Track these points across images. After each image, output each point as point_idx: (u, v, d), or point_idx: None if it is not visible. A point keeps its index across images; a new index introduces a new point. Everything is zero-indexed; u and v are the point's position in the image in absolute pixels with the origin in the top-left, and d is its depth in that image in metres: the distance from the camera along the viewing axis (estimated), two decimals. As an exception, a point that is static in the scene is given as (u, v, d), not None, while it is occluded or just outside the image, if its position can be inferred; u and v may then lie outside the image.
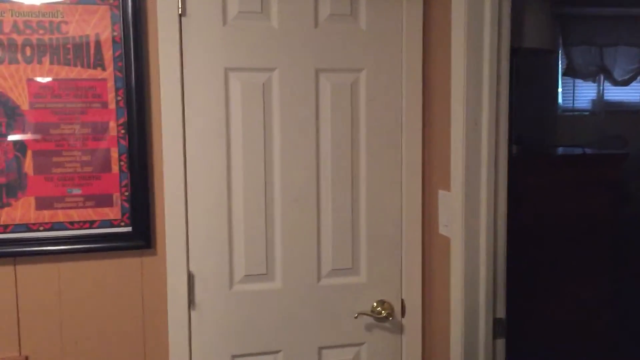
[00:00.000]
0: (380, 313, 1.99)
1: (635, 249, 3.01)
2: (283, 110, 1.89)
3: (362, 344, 2.02)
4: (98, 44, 1.75)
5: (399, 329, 2.03)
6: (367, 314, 1.99)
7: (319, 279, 1.97)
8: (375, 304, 2.01)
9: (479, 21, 1.72)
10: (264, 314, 1.94)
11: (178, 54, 1.80)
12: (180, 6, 1.79)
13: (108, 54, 1.76)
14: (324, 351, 2.00)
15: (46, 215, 1.77)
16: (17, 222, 1.75)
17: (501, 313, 1.86)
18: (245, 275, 1.92)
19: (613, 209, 2.42)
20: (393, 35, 1.94)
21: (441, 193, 1.91)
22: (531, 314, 2.47)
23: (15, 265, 1.76)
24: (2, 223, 1.74)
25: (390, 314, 2.01)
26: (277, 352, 1.97)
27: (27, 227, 1.76)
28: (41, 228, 1.77)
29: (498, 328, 1.85)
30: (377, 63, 1.94)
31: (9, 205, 1.74)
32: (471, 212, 1.78)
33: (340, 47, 1.91)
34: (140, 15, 1.77)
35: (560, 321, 2.51)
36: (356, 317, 1.96)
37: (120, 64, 1.77)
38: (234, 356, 1.94)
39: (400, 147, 1.98)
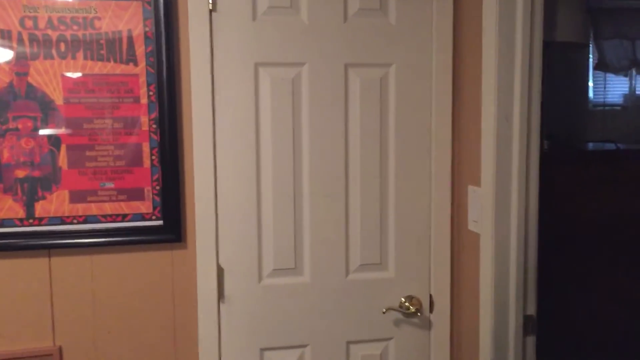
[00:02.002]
0: (409, 308, 1.99)
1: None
2: (312, 105, 1.89)
3: (390, 339, 2.02)
4: (130, 39, 1.77)
5: (427, 325, 2.03)
6: (395, 309, 1.99)
7: (347, 273, 1.98)
8: (403, 299, 2.01)
9: (511, 15, 1.70)
10: (292, 308, 1.95)
11: (208, 49, 1.81)
12: (210, 2, 1.80)
13: (140, 50, 1.78)
14: (352, 346, 2.01)
15: (80, 209, 1.80)
16: (51, 214, 1.78)
17: (532, 310, 1.84)
18: (274, 269, 1.93)
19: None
20: (423, 30, 1.93)
21: (471, 189, 1.90)
22: (563, 311, 2.44)
23: (49, 257, 1.80)
24: (37, 216, 1.77)
25: (419, 309, 2.00)
26: (305, 345, 1.98)
27: (61, 220, 1.79)
28: (75, 221, 1.80)
29: (528, 325, 1.83)
30: (406, 58, 1.93)
31: (43, 198, 1.77)
32: (502, 208, 1.77)
33: (369, 42, 1.90)
34: (172, 11, 1.78)
35: (592, 320, 2.48)
36: (384, 312, 1.96)
37: (152, 59, 1.79)
38: (262, 349, 1.95)
39: (429, 142, 1.97)
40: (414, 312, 1.99)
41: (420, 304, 2.01)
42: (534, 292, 1.84)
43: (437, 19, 1.92)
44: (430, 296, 2.02)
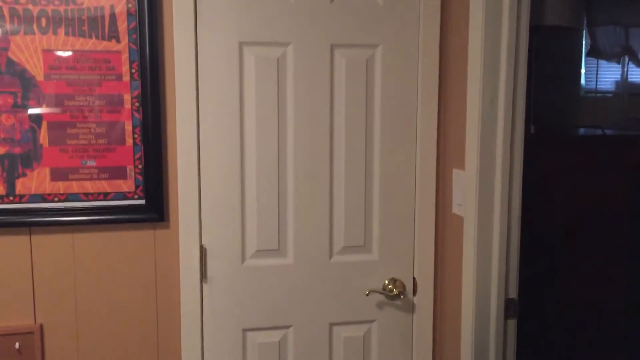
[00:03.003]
0: (392, 291, 1.99)
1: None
2: (297, 86, 1.88)
3: (373, 321, 2.03)
4: (113, 15, 1.75)
5: (410, 308, 2.03)
6: (379, 292, 1.99)
7: (330, 255, 1.97)
8: (387, 282, 2.01)
9: (498, -3, 1.69)
10: (276, 289, 1.95)
11: (193, 27, 1.79)
12: (195, -22, 1.77)
13: (123, 26, 1.76)
14: (335, 327, 2.01)
15: (61, 186, 1.78)
16: (32, 192, 1.77)
17: (513, 293, 1.85)
18: (257, 250, 1.93)
19: (631, 191, 2.38)
20: (410, 11, 1.91)
21: (455, 172, 1.89)
22: (543, 295, 2.45)
23: (30, 235, 1.79)
24: (17, 193, 1.76)
25: (402, 292, 2.00)
26: (288, 327, 1.98)
27: (42, 198, 1.78)
28: (56, 199, 1.78)
29: (510, 308, 1.84)
30: (393, 39, 1.91)
31: (24, 175, 1.76)
32: (485, 192, 1.76)
33: (356, 22, 1.88)
34: (155, -13, 1.76)
35: (572, 303, 2.49)
36: (367, 295, 1.96)
37: (134, 36, 1.76)
38: (245, 330, 1.95)
39: (415, 124, 1.96)
40: (397, 295, 1.99)
41: (404, 287, 2.01)
42: (516, 276, 1.84)
43: (424, 1, 1.90)
44: (414, 279, 2.02)
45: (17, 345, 1.80)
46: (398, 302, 2.03)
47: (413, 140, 1.96)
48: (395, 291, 1.99)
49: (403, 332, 2.04)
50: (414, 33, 1.92)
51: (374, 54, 1.91)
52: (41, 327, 1.82)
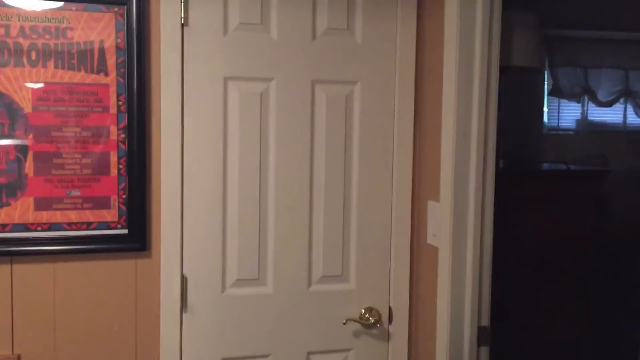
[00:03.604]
0: (368, 320, 2.04)
1: (615, 262, 3.09)
2: (279, 120, 1.94)
3: (349, 349, 2.07)
4: (102, 50, 1.80)
5: (386, 336, 2.08)
6: (356, 320, 2.04)
7: (309, 284, 2.02)
8: (363, 311, 2.06)
9: (471, 39, 1.79)
10: (255, 318, 1.98)
11: (179, 62, 1.86)
12: (183, 16, 1.84)
13: (111, 60, 1.81)
14: (313, 356, 2.05)
15: (44, 216, 1.80)
16: (15, 221, 1.78)
17: (485, 321, 1.92)
18: (237, 280, 1.96)
19: (595, 222, 2.50)
20: (387, 50, 2.01)
21: (430, 204, 1.97)
22: (514, 322, 2.53)
23: (11, 264, 1.79)
24: (0, 222, 1.77)
25: (378, 320, 2.06)
26: (266, 356, 2.01)
27: (25, 227, 1.79)
28: (39, 228, 1.80)
29: (482, 336, 1.91)
30: (371, 76, 2.00)
31: (8, 205, 1.77)
32: (459, 223, 1.84)
33: (336, 60, 1.97)
34: (144, 24, 1.82)
35: (542, 331, 2.58)
36: (345, 323, 2.01)
37: (122, 70, 1.82)
38: (224, 359, 1.97)
39: (391, 158, 2.04)
40: (373, 324, 2.05)
41: (380, 316, 2.07)
42: (488, 304, 1.92)
43: (400, 41, 2.00)
44: (390, 308, 2.08)
45: (-6, 375, 1.79)
46: (374, 331, 2.08)
47: (390, 173, 2.04)
48: (371, 320, 2.04)
49: (379, 356, 2.09)
50: (391, 70, 2.01)
51: (352, 90, 2.00)
52: (19, 357, 1.82)
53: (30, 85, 1.76)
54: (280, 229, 1.98)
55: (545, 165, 2.88)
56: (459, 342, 1.89)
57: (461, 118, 1.81)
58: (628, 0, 3.88)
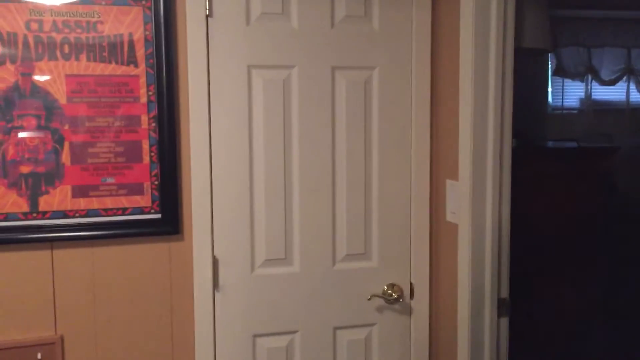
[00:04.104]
0: (391, 295, 2.13)
1: (623, 234, 3.19)
2: (301, 105, 2.02)
3: (374, 324, 2.16)
4: (131, 42, 1.87)
5: (408, 310, 2.17)
6: (379, 296, 2.13)
7: (334, 263, 2.11)
8: (386, 287, 2.15)
9: (486, 22, 1.86)
10: (283, 296, 2.07)
11: (205, 52, 1.93)
12: (207, 7, 1.91)
13: (140, 52, 1.88)
14: (338, 331, 2.14)
15: (82, 203, 1.88)
16: (54, 209, 1.86)
17: (505, 293, 2.00)
18: (265, 260, 2.05)
19: (604, 197, 2.59)
20: (404, 35, 2.08)
21: (449, 182, 2.06)
22: (532, 294, 2.63)
23: (52, 249, 1.88)
24: (40, 210, 1.85)
25: (400, 296, 2.14)
26: (295, 332, 2.10)
27: (64, 214, 1.87)
28: (77, 215, 1.88)
29: (502, 307, 2.00)
30: (389, 61, 2.07)
31: (47, 193, 1.85)
32: (478, 200, 1.93)
33: (354, 46, 2.04)
34: (171, 16, 1.89)
35: (558, 301, 2.68)
36: (369, 299, 2.10)
37: (151, 61, 1.89)
38: (255, 335, 2.06)
39: (410, 139, 2.12)
40: (396, 299, 2.13)
41: (402, 291, 2.16)
42: (507, 277, 2.00)
43: (416, 26, 2.07)
44: (411, 284, 2.17)
45: (39, 355, 1.88)
46: (397, 306, 2.17)
47: (408, 154, 2.12)
48: (394, 295, 2.13)
49: (402, 333, 2.18)
50: (407, 55, 2.09)
51: (371, 76, 2.07)
52: (62, 338, 1.91)
53: (64, 77, 1.83)
54: (304, 211, 2.06)
55: (553, 143, 2.96)
56: (480, 314, 1.98)
57: (478, 99, 1.88)
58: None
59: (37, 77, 1.81)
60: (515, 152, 2.04)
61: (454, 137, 2.00)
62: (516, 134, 2.67)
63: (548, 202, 2.58)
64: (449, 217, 2.08)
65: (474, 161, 1.91)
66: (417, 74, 2.09)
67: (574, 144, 2.68)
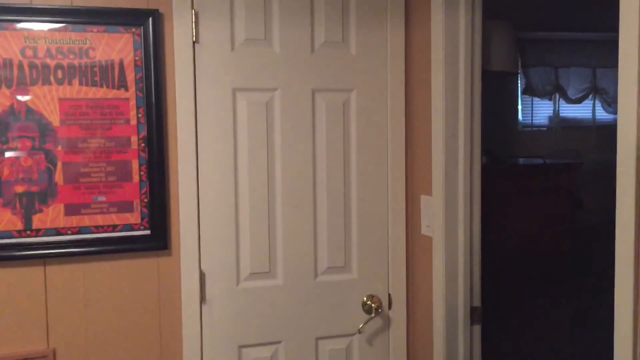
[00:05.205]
0: (370, 306, 2.23)
1: (587, 246, 3.35)
2: (284, 126, 2.13)
3: (354, 334, 2.25)
4: (122, 67, 1.97)
5: (387, 320, 2.28)
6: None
7: (316, 276, 2.21)
8: (365, 298, 2.25)
9: (455, 49, 2.01)
10: (267, 308, 2.17)
11: (192, 76, 2.03)
12: (194, 35, 2.02)
13: (130, 76, 1.98)
14: (320, 341, 2.23)
15: (74, 220, 1.96)
16: (47, 226, 1.94)
17: (477, 302, 2.13)
18: (250, 273, 2.14)
19: (569, 210, 2.74)
20: (379, 60, 2.20)
21: (423, 197, 2.18)
22: (502, 302, 2.75)
23: (45, 265, 1.95)
24: (34, 227, 1.93)
25: (379, 307, 2.25)
26: (278, 342, 2.19)
27: (57, 231, 1.95)
28: (69, 232, 1.96)
29: (475, 315, 2.12)
30: (366, 83, 2.19)
31: (40, 211, 1.93)
32: (450, 214, 2.05)
33: (333, 70, 2.16)
34: (159, 42, 2.00)
35: (526, 308, 2.81)
36: (360, 332, 2.20)
37: (141, 85, 1.99)
38: (240, 346, 2.15)
39: (386, 157, 2.23)
40: (375, 309, 2.23)
41: (380, 302, 2.26)
42: (479, 286, 2.13)
43: (391, 51, 2.20)
44: (389, 295, 2.27)
45: (32, 369, 1.94)
46: (376, 317, 2.26)
47: (385, 171, 2.23)
48: (373, 306, 2.23)
49: (381, 341, 2.28)
50: (383, 77, 2.20)
51: (349, 97, 2.19)
52: (54, 351, 1.98)
53: (57, 101, 1.92)
54: (287, 226, 2.16)
55: (523, 160, 3.11)
56: (453, 321, 2.10)
57: (449, 120, 2.02)
58: (594, 4, 4.14)
59: (32, 101, 1.90)
60: (486, 169, 2.17)
61: (427, 154, 2.13)
62: (488, 151, 2.82)
63: (517, 215, 2.72)
64: (424, 231, 2.20)
65: (446, 177, 2.04)
66: (392, 95, 2.21)
67: (540, 161, 2.84)
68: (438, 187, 2.06)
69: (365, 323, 2.21)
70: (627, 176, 1.23)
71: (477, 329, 2.14)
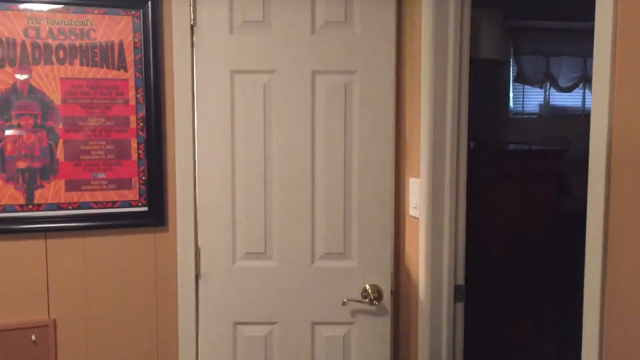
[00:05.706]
0: (369, 295, 2.21)
1: (569, 228, 3.45)
2: (282, 108, 2.17)
3: (352, 323, 2.26)
4: (121, 48, 2.03)
5: (385, 310, 2.26)
6: (357, 301, 2.22)
7: (312, 261, 2.24)
8: (367, 287, 2.24)
9: (444, 36, 2.07)
10: (262, 289, 2.22)
11: (190, 58, 2.10)
12: (192, 18, 2.08)
13: (130, 58, 2.04)
14: (317, 327, 2.25)
15: (74, 196, 2.04)
16: (48, 201, 2.01)
17: (461, 281, 2.21)
18: (246, 253, 2.20)
19: (552, 194, 2.84)
20: (386, 41, 2.17)
21: (412, 180, 2.26)
22: (485, 281, 2.85)
23: (46, 239, 2.03)
24: (35, 202, 2.00)
25: (377, 297, 2.23)
26: (274, 323, 2.24)
27: (58, 206, 2.02)
28: (69, 207, 2.03)
29: (458, 293, 2.20)
30: (369, 65, 2.17)
31: (42, 187, 2.00)
32: (437, 195, 2.13)
33: (335, 51, 2.16)
34: (158, 25, 2.06)
35: (508, 285, 2.91)
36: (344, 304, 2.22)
37: (140, 66, 2.05)
38: (236, 323, 2.22)
39: (389, 141, 2.22)
40: (372, 299, 2.21)
41: (379, 292, 2.24)
42: (463, 266, 2.21)
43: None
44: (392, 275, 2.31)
45: (33, 337, 2.02)
46: (373, 308, 2.25)
47: (387, 155, 2.24)
48: (371, 295, 2.22)
49: (380, 332, 2.28)
50: (388, 59, 2.19)
51: (352, 79, 2.18)
52: (55, 321, 2.06)
53: (59, 80, 1.99)
54: (284, 208, 2.20)
55: (511, 146, 3.19)
56: (438, 299, 2.18)
57: (437, 106, 2.08)
58: (585, -6, 4.20)
59: (34, 80, 1.96)
60: (474, 153, 2.25)
61: (417, 139, 2.20)
62: (478, 137, 2.90)
63: (501, 198, 2.81)
64: (412, 212, 2.27)
65: (433, 161, 2.11)
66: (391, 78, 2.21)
67: (526, 146, 2.92)
68: (425, 169, 2.14)
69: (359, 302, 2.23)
70: (598, 163, 1.32)
71: (460, 306, 2.22)
